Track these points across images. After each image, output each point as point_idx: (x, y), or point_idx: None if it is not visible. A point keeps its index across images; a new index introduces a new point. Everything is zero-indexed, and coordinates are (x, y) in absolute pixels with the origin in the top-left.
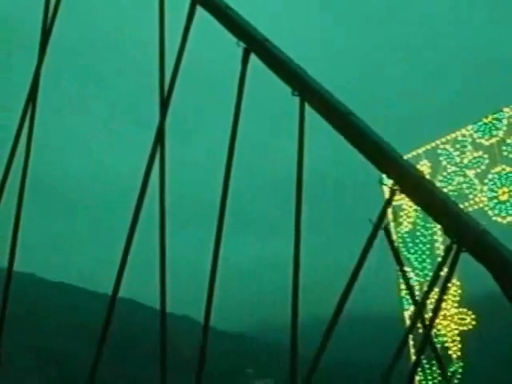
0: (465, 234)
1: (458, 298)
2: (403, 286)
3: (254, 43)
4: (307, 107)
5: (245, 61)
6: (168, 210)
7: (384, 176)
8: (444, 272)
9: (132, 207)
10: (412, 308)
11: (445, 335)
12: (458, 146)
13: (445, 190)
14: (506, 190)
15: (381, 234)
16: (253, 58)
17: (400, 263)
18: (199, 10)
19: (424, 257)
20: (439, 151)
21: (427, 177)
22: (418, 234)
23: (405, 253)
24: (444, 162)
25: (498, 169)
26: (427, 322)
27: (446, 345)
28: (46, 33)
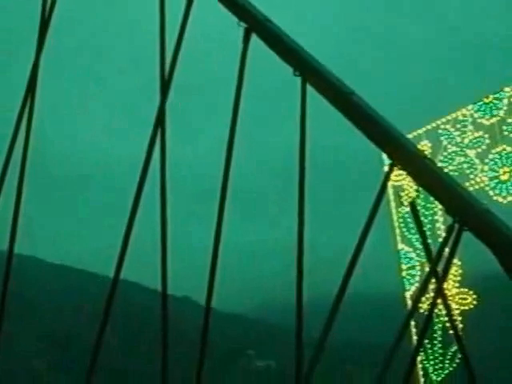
0: (467, 212)
1: (458, 278)
2: (404, 266)
3: (255, 23)
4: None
5: (246, 41)
6: (169, 191)
7: (384, 156)
8: (446, 252)
9: (133, 188)
10: (414, 288)
11: (446, 315)
12: (458, 125)
13: (445, 170)
14: (506, 169)
15: (379, 212)
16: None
17: (424, 241)
18: None
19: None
20: (440, 131)
21: (428, 156)
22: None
23: (406, 233)
24: (445, 142)
25: (498, 149)
26: (429, 303)
27: (447, 325)
28: (45, 21)
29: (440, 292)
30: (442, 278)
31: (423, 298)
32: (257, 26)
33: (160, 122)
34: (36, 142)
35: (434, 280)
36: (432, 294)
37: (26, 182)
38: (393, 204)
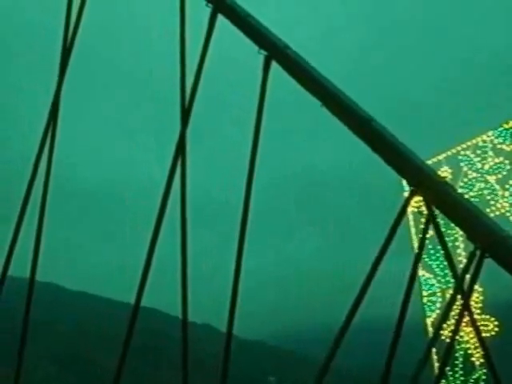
0: (489, 239)
1: (480, 305)
2: (425, 293)
3: (275, 50)
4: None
5: (266, 68)
6: (189, 216)
7: (404, 182)
8: (467, 278)
9: (154, 215)
10: (436, 314)
11: (467, 342)
12: (478, 151)
13: (466, 196)
14: None
15: (400, 237)
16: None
17: (449, 258)
18: (220, 17)
19: (446, 263)
20: (460, 157)
21: (448, 182)
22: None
23: (426, 259)
24: (465, 168)
25: None
26: (450, 330)
27: (469, 352)
28: (67, 48)
29: (466, 310)
30: (466, 300)
31: (444, 325)
32: (277, 53)
33: (181, 148)
34: (57, 166)
35: (458, 303)
36: (453, 321)
37: (47, 210)
38: (413, 230)
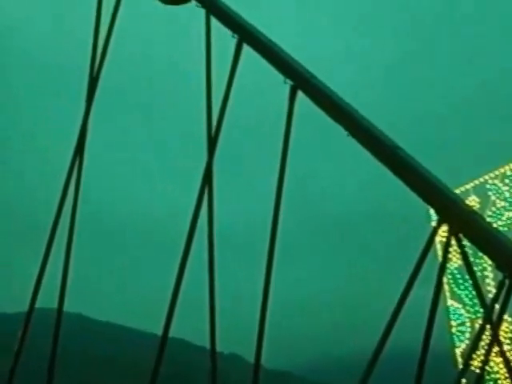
0: None
1: (510, 335)
2: (454, 323)
3: (301, 80)
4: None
5: (292, 98)
6: (216, 246)
7: (432, 211)
8: (496, 308)
9: (181, 246)
10: (465, 344)
11: (497, 372)
12: (506, 180)
13: (494, 225)
14: None
15: (428, 267)
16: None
17: (477, 287)
18: (245, 47)
19: (474, 293)
20: (488, 186)
21: (477, 211)
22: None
23: (455, 289)
24: (493, 197)
25: None
26: (480, 360)
27: (499, 382)
28: (93, 80)
29: (496, 340)
30: (495, 330)
31: (474, 356)
32: (303, 83)
33: (207, 178)
34: (84, 198)
35: (487, 333)
36: (483, 352)
37: (74, 242)
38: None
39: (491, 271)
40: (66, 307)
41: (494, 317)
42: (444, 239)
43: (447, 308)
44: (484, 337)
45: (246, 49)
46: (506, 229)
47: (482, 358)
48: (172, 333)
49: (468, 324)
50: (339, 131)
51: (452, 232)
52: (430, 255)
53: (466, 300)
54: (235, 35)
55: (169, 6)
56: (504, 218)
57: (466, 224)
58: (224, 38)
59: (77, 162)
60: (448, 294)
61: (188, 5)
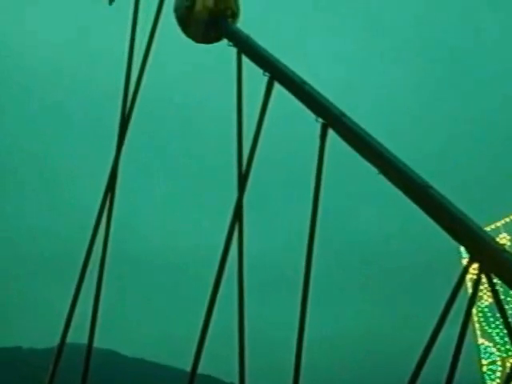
0: None
1: None
2: (485, 361)
3: (332, 118)
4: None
5: (323, 136)
6: (246, 283)
7: (462, 248)
8: None
9: (211, 282)
10: (496, 383)
11: None
12: None
13: None
14: None
15: (459, 305)
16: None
17: (508, 326)
18: (276, 85)
19: (505, 331)
20: None
21: (507, 249)
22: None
23: (486, 327)
24: None
25: None
26: None
27: None
28: (125, 119)
29: None
30: None
31: None
32: (334, 121)
33: (238, 215)
34: (115, 236)
35: None
36: None
37: (105, 278)
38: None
39: None
40: (97, 343)
41: None
42: (475, 276)
43: (478, 346)
44: None
45: (277, 87)
46: None
47: None
48: (201, 369)
49: (499, 363)
50: (370, 169)
51: (482, 271)
52: (461, 294)
53: (497, 338)
54: (266, 73)
55: (200, 45)
56: None
57: (497, 263)
58: (255, 77)
59: (108, 199)
60: (479, 332)
61: (220, 43)
